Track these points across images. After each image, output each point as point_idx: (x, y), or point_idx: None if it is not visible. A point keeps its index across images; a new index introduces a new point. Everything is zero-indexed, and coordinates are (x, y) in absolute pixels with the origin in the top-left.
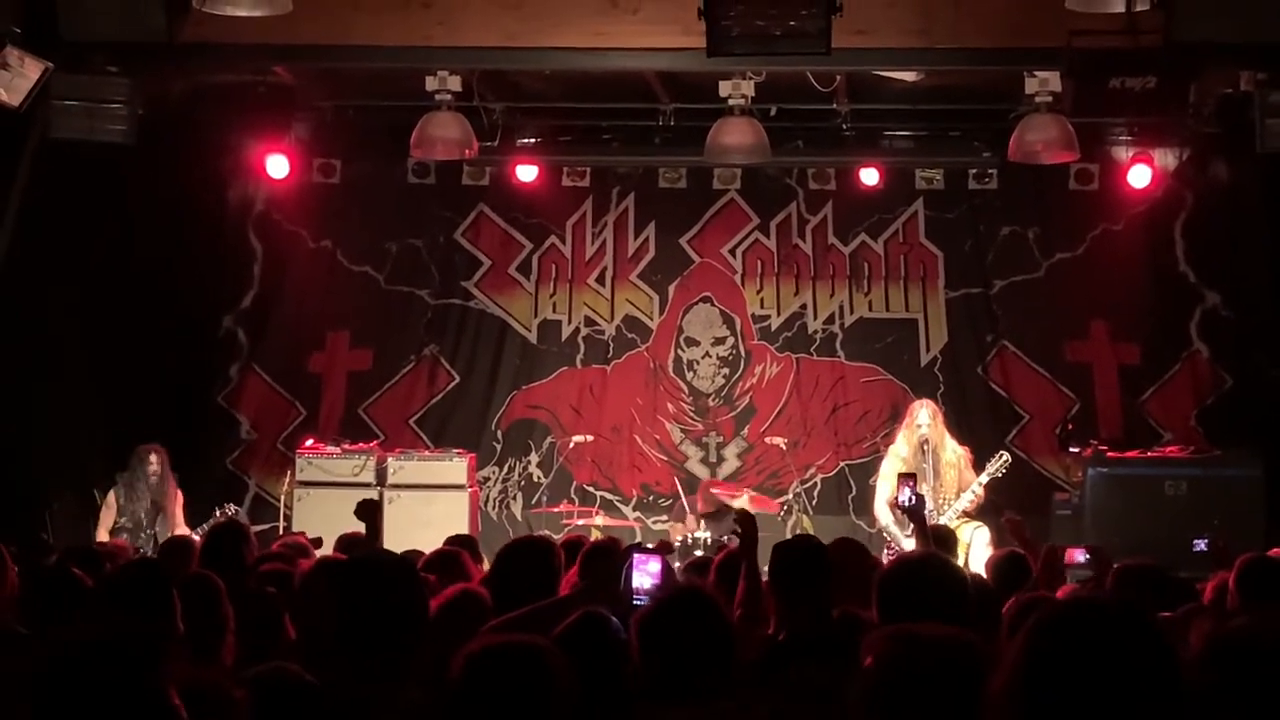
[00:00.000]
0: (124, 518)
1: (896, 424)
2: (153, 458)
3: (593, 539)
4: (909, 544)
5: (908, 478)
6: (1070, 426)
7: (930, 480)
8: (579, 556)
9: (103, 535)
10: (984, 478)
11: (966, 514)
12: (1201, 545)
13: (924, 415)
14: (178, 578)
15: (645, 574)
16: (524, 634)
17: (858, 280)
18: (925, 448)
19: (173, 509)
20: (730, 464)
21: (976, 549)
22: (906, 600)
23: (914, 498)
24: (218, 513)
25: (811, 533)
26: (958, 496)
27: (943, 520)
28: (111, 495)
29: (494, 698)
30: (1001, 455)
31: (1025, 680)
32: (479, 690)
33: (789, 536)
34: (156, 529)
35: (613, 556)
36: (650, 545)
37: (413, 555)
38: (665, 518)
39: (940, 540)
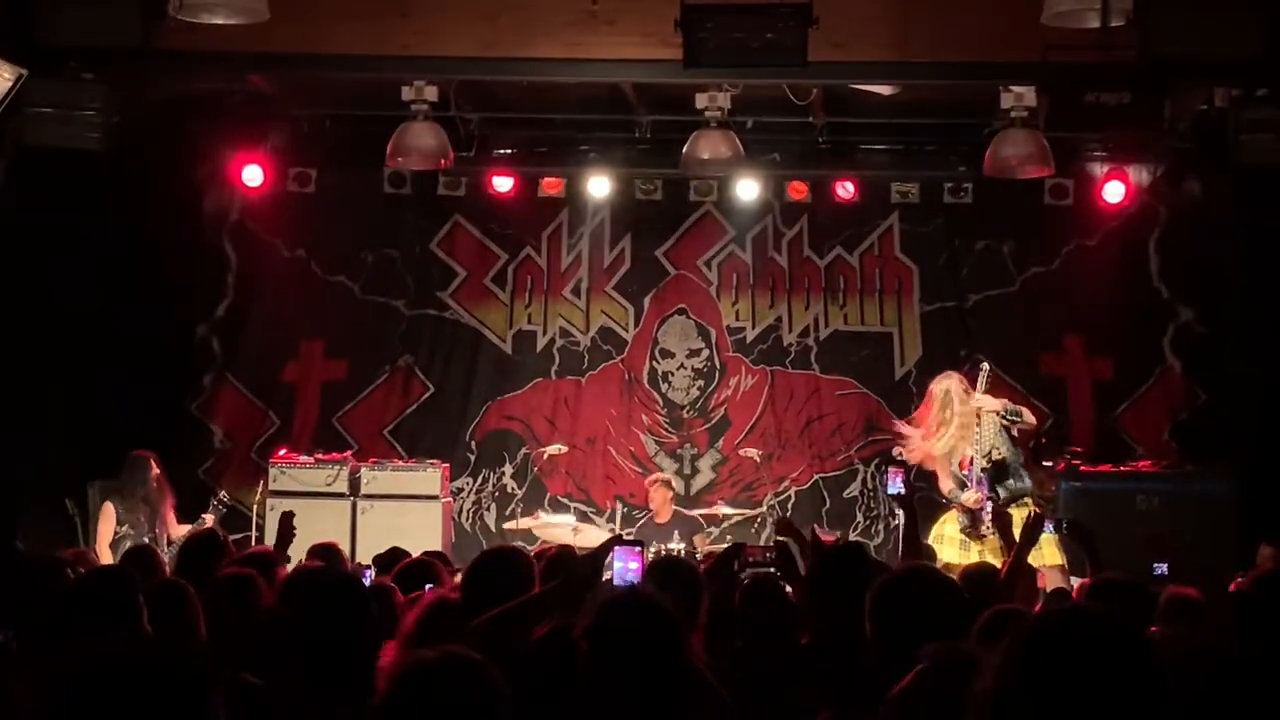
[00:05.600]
0: (124, 526)
1: (870, 437)
2: (153, 464)
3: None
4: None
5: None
6: (1043, 440)
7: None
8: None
9: (103, 546)
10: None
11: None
12: (1163, 569)
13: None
14: (147, 585)
15: (625, 570)
16: (456, 647)
17: (833, 293)
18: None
19: (167, 513)
20: (704, 476)
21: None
22: (902, 613)
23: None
24: (213, 502)
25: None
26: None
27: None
28: (109, 506)
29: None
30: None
31: (1015, 692)
32: (410, 710)
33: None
34: (156, 532)
35: (574, 560)
36: (629, 537)
37: (395, 554)
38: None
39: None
